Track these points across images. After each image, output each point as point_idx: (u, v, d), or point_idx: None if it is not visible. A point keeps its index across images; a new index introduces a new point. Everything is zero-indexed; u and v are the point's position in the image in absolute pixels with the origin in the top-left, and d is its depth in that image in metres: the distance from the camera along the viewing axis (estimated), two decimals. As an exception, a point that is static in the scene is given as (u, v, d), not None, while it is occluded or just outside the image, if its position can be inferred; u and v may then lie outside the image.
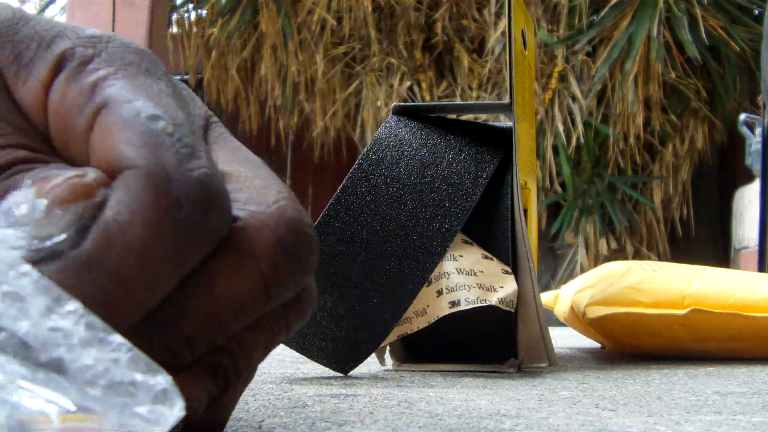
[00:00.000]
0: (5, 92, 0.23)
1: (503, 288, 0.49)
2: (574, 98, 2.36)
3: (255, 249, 0.21)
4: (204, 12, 2.81)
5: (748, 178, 1.99)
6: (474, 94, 2.44)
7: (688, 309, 0.60)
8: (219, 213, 0.20)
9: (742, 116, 1.76)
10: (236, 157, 0.24)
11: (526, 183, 0.54)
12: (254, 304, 0.22)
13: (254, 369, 0.24)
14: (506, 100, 0.52)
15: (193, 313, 0.21)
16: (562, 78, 2.39)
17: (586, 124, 2.37)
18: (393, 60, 2.54)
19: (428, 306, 0.49)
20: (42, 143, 0.22)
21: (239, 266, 0.21)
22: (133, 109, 0.21)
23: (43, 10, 2.98)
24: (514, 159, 0.51)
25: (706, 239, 2.59)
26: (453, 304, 0.48)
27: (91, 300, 0.19)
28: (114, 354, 0.17)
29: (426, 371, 0.52)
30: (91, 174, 0.20)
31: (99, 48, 0.23)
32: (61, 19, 2.80)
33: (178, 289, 0.20)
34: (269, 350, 0.24)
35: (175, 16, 2.79)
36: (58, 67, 0.22)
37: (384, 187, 0.50)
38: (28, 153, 0.22)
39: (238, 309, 0.21)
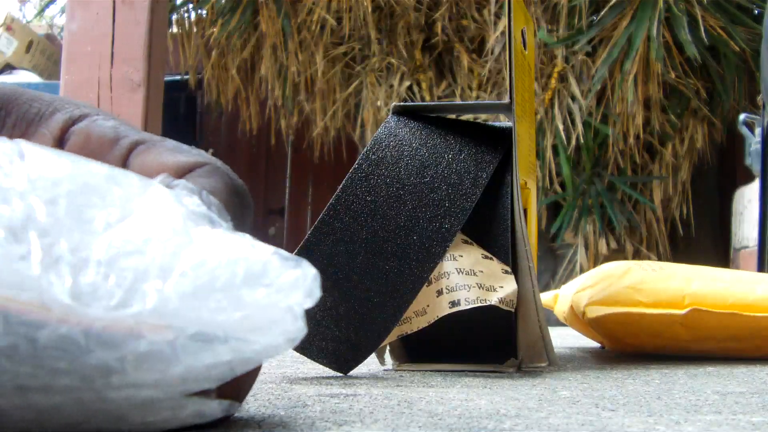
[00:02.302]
0: None
1: (503, 288, 0.49)
2: (573, 98, 2.36)
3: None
4: (204, 12, 2.80)
5: (748, 178, 1.99)
6: (474, 94, 2.44)
7: (688, 309, 0.60)
8: (251, 213, 0.28)
9: (742, 116, 1.76)
10: None
11: (526, 183, 0.54)
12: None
13: None
14: (506, 100, 0.52)
15: None
16: (562, 78, 2.39)
17: (586, 124, 2.37)
18: (393, 60, 2.53)
19: (428, 306, 0.49)
20: None
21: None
22: (170, 142, 0.28)
23: (43, 10, 2.98)
24: (514, 159, 0.51)
25: (706, 239, 2.59)
26: (453, 304, 0.48)
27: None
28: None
29: (426, 371, 0.52)
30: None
31: (95, 108, 0.29)
32: (62, 19, 2.80)
33: None
34: None
35: (175, 16, 2.79)
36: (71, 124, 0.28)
37: (384, 187, 0.50)
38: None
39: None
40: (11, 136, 0.27)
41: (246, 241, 0.21)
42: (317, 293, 0.21)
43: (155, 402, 0.20)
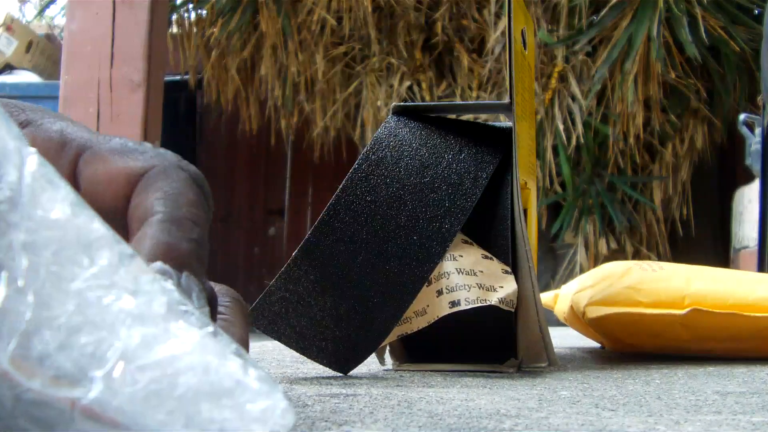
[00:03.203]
0: None
1: (503, 288, 0.49)
2: (574, 98, 2.36)
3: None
4: (204, 12, 2.80)
5: (748, 178, 1.99)
6: (474, 94, 2.44)
7: (688, 309, 0.60)
8: (211, 199, 0.27)
9: (742, 116, 1.76)
10: None
11: (526, 183, 0.54)
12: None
13: None
14: (506, 100, 0.52)
15: None
16: (562, 78, 2.39)
17: (586, 124, 2.37)
18: (393, 60, 2.53)
19: (428, 306, 0.49)
20: None
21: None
22: (116, 142, 0.26)
23: (43, 10, 2.97)
24: (514, 159, 0.51)
25: (706, 239, 2.59)
26: (453, 304, 0.48)
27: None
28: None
29: (426, 371, 0.52)
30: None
31: (42, 110, 0.28)
32: (61, 19, 2.80)
33: None
34: None
35: (175, 16, 2.79)
36: None
37: (384, 187, 0.50)
38: None
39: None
40: None
41: (225, 349, 0.19)
42: (284, 430, 0.18)
43: None
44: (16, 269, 0.18)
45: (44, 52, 2.70)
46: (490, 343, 0.52)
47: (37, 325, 0.18)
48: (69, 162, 0.26)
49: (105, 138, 0.26)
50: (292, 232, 3.30)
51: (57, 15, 2.95)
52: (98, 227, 0.19)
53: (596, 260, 2.34)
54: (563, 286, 0.74)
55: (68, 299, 0.18)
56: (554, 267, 2.45)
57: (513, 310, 0.49)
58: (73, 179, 0.26)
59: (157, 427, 0.17)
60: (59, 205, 0.19)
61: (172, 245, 0.23)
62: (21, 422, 0.17)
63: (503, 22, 2.36)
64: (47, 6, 2.94)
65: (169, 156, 0.26)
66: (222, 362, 0.18)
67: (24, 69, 2.58)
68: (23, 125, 0.26)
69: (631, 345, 0.64)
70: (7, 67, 2.58)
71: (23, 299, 0.18)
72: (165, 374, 0.18)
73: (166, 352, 0.18)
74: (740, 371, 0.53)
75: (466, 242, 0.50)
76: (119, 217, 0.25)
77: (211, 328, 0.19)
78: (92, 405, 0.17)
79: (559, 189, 2.41)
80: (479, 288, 0.48)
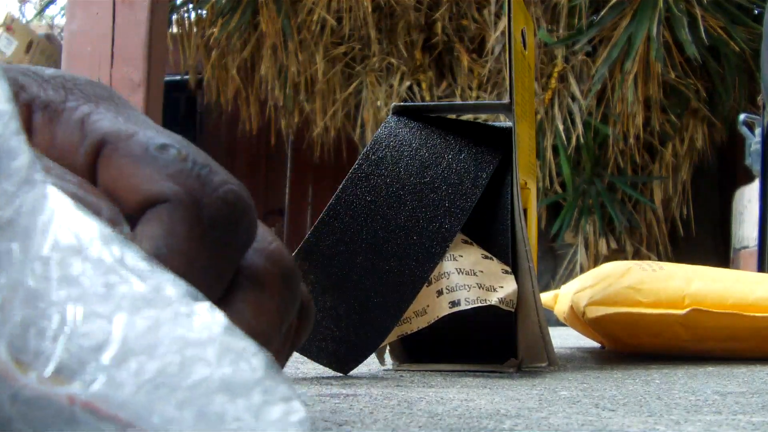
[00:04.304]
0: None
1: (503, 288, 0.49)
2: (573, 98, 2.36)
3: (271, 286, 0.22)
4: (204, 12, 2.81)
5: (748, 178, 1.99)
6: (474, 94, 2.44)
7: (688, 309, 0.60)
8: (247, 225, 0.21)
9: (742, 116, 1.76)
10: None
11: (526, 183, 0.54)
12: (275, 337, 0.22)
13: None
14: (506, 100, 0.52)
15: None
16: (562, 78, 2.39)
17: (586, 124, 2.37)
18: (393, 60, 2.53)
19: (428, 306, 0.49)
20: None
21: (261, 304, 0.22)
22: (139, 143, 0.21)
23: (42, 10, 2.98)
24: (514, 159, 0.51)
25: (706, 239, 2.59)
26: (453, 304, 0.48)
27: None
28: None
29: (426, 371, 0.52)
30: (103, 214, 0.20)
31: (68, 87, 0.23)
32: (61, 19, 2.80)
33: None
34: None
35: (175, 16, 2.79)
36: (28, 116, 0.22)
37: (384, 187, 0.50)
38: None
39: (264, 344, 0.21)
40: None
41: (248, 345, 0.17)
42: None
43: None
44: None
45: (44, 52, 2.70)
46: (490, 343, 0.52)
47: (33, 316, 0.16)
48: (86, 159, 0.21)
49: (128, 130, 0.21)
50: (292, 232, 3.30)
51: (57, 15, 2.95)
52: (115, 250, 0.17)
53: (596, 260, 2.34)
54: (563, 286, 0.74)
55: (65, 285, 0.17)
56: (554, 267, 2.45)
57: (513, 310, 0.49)
58: (92, 178, 0.22)
59: (164, 422, 0.16)
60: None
61: None
62: (16, 425, 0.16)
63: (503, 22, 2.36)
64: (47, 6, 2.94)
65: (192, 179, 0.20)
66: (244, 355, 0.17)
67: (24, 69, 2.58)
68: (41, 107, 0.22)
69: (631, 345, 0.64)
70: (7, 67, 2.57)
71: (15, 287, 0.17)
72: (175, 363, 0.16)
73: (177, 340, 0.16)
74: (740, 371, 0.53)
75: (466, 242, 0.50)
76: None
77: (226, 322, 0.17)
78: (93, 400, 0.16)
79: (559, 189, 2.41)
80: (479, 288, 0.48)
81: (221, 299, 0.21)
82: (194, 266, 0.20)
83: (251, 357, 0.16)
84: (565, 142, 2.34)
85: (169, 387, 0.16)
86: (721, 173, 2.72)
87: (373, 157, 0.51)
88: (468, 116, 0.77)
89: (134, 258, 0.17)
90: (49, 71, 0.23)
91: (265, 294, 0.22)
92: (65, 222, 0.17)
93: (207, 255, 0.20)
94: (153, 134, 0.21)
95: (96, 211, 0.20)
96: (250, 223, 0.21)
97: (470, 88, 2.46)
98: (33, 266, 0.17)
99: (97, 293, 0.17)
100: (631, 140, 2.38)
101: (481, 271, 0.49)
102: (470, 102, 0.77)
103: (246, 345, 0.17)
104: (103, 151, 0.21)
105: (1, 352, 0.16)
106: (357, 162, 0.51)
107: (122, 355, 0.16)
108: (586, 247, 2.40)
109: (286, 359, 0.25)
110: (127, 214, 0.20)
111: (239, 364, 0.16)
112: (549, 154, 2.35)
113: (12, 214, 0.17)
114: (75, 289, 0.17)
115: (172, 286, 0.17)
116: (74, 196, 0.19)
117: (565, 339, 0.93)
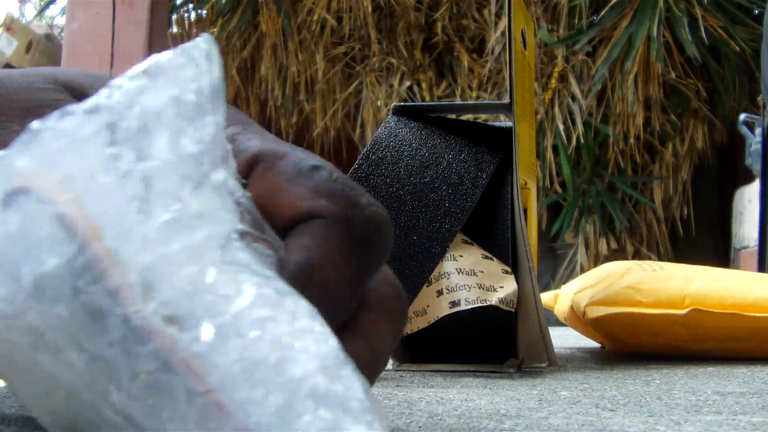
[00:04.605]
0: None
1: (503, 288, 0.49)
2: (574, 98, 2.36)
3: (390, 311, 0.23)
4: (204, 12, 2.81)
5: (748, 178, 1.99)
6: (474, 94, 2.44)
7: (688, 309, 0.60)
8: (386, 244, 0.23)
9: (742, 116, 1.76)
10: None
11: (526, 183, 0.54)
12: (388, 359, 0.24)
13: None
14: (506, 100, 0.52)
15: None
16: (562, 78, 2.39)
17: (586, 124, 2.37)
18: (393, 60, 2.53)
19: (428, 306, 0.49)
20: None
21: (383, 327, 0.23)
22: (292, 162, 0.22)
23: (43, 10, 2.98)
24: (514, 159, 0.51)
25: (706, 239, 2.59)
26: (453, 304, 0.48)
27: None
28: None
29: (426, 371, 0.52)
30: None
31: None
32: (62, 19, 2.80)
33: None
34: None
35: (175, 16, 2.79)
36: None
37: (384, 187, 0.50)
38: None
39: (383, 365, 0.23)
40: None
41: (351, 370, 0.17)
42: None
43: None
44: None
45: (44, 52, 2.70)
46: (490, 343, 0.52)
47: (165, 273, 0.17)
48: (237, 175, 0.22)
49: (280, 150, 0.23)
50: (292, 232, 3.30)
51: (57, 15, 2.95)
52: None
53: (596, 260, 2.34)
54: (563, 286, 0.74)
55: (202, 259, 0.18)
56: (554, 267, 2.45)
57: (513, 310, 0.49)
58: None
59: (245, 401, 0.16)
60: None
61: None
62: (109, 351, 0.17)
63: (503, 22, 2.36)
64: (47, 6, 2.94)
65: (343, 198, 0.22)
66: (339, 376, 0.17)
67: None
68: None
69: (631, 345, 0.64)
70: (7, 67, 2.58)
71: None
72: (276, 358, 0.17)
73: (286, 342, 0.17)
74: (740, 371, 0.53)
75: (466, 242, 0.50)
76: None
77: (338, 347, 0.17)
78: (191, 357, 0.17)
79: (559, 189, 2.41)
80: (479, 288, 0.48)
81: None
82: (342, 277, 0.21)
83: (349, 380, 0.17)
84: (566, 142, 2.34)
85: (264, 373, 0.16)
86: (721, 173, 2.71)
87: (373, 157, 0.51)
88: (468, 116, 0.77)
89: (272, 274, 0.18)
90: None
91: (386, 317, 0.23)
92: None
93: (354, 268, 0.21)
94: (304, 155, 0.23)
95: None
96: (389, 244, 0.23)
97: (470, 88, 2.46)
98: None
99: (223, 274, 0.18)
100: (632, 140, 2.38)
101: (481, 271, 0.49)
102: (470, 102, 0.77)
103: (348, 372, 0.17)
104: (257, 168, 0.22)
105: (133, 279, 0.17)
106: (357, 162, 0.51)
107: (234, 329, 0.17)
108: (587, 247, 2.40)
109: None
110: (276, 228, 0.22)
111: (335, 382, 0.17)
112: (549, 154, 2.35)
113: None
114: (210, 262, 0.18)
115: (302, 303, 0.18)
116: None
117: (565, 339, 0.93)
